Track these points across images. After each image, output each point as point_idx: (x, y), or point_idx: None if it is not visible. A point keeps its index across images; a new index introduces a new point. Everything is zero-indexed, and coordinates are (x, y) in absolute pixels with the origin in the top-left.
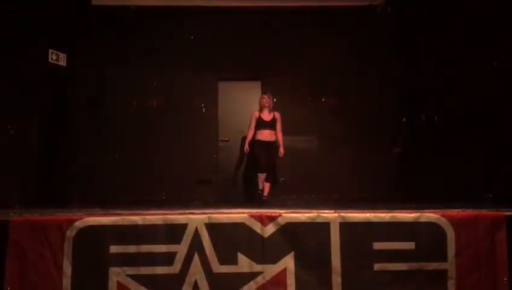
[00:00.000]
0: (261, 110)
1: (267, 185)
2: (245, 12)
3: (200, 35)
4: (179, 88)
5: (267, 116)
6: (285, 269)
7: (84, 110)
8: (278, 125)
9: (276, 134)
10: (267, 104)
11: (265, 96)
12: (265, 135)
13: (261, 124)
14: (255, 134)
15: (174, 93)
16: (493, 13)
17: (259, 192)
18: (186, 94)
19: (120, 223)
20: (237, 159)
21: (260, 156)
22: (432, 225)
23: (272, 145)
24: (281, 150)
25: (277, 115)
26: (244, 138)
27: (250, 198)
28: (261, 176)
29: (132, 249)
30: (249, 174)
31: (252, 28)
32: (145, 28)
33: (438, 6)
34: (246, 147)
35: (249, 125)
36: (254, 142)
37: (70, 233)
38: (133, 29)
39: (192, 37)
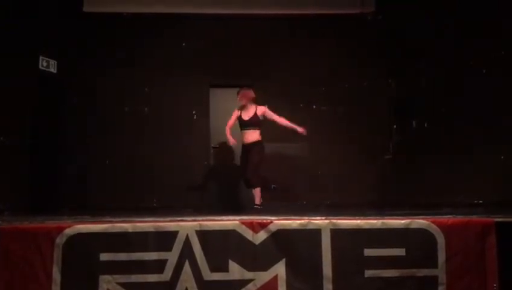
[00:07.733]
0: (241, 108)
1: (256, 191)
2: (237, 19)
3: (192, 42)
4: (171, 95)
5: (245, 115)
6: (276, 276)
7: (75, 117)
8: (273, 117)
9: (260, 134)
10: (243, 101)
11: (241, 92)
12: (246, 137)
13: (241, 125)
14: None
15: (166, 100)
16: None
17: (256, 207)
18: (177, 101)
19: (110, 230)
20: (229, 166)
21: (244, 167)
22: (422, 232)
23: (254, 146)
24: (298, 128)
25: (260, 109)
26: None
27: (241, 206)
28: (256, 190)
29: (122, 256)
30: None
31: (244, 34)
32: (136, 34)
33: (428, 14)
34: (229, 139)
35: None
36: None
37: (60, 240)
38: (124, 36)
39: (183, 44)
